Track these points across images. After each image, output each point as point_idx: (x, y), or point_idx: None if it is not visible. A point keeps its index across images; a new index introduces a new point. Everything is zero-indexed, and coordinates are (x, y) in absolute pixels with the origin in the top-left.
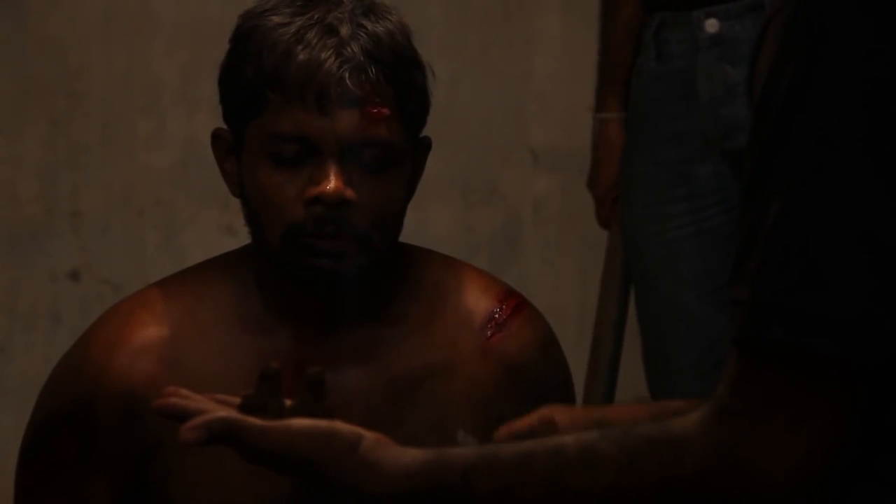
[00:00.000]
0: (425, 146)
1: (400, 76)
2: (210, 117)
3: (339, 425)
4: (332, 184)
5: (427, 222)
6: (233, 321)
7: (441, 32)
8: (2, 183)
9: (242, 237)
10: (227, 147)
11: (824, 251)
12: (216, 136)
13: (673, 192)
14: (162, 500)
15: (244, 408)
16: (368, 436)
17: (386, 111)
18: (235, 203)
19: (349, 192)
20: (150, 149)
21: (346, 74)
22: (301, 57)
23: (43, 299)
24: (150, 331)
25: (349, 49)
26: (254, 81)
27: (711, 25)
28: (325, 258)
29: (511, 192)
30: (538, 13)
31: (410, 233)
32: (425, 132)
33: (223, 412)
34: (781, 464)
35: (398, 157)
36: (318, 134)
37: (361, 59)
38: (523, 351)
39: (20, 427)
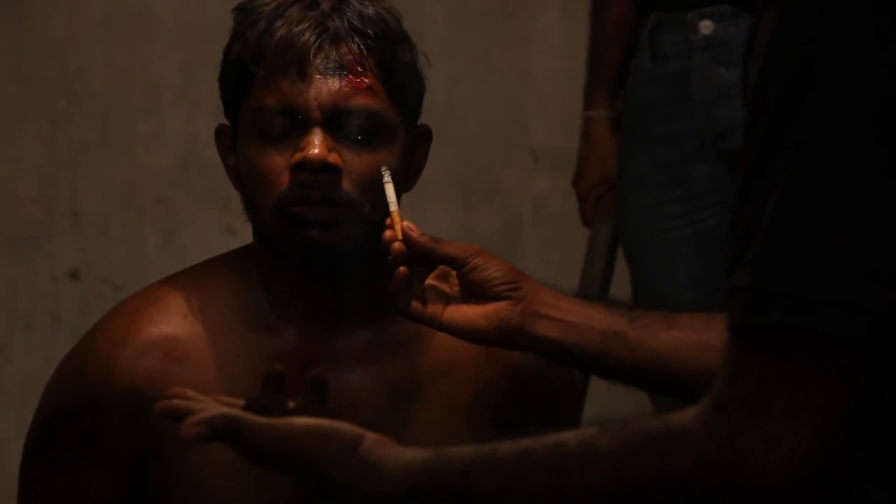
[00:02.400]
0: (424, 133)
1: (383, 48)
2: (210, 117)
3: (341, 424)
4: (315, 148)
5: (427, 222)
6: (239, 320)
7: (441, 32)
8: (2, 183)
9: (242, 237)
10: (230, 142)
11: (825, 236)
12: (219, 133)
13: (669, 194)
14: (166, 498)
15: (248, 409)
16: (370, 435)
17: (368, 80)
18: (235, 203)
19: (333, 157)
20: (150, 149)
21: (326, 44)
22: (282, 30)
23: (43, 299)
24: (156, 328)
25: (330, 21)
26: (240, 59)
27: (706, 27)
28: (316, 228)
29: (511, 192)
30: (538, 13)
31: None
32: None
33: (226, 409)
34: (780, 454)
35: (385, 129)
36: (301, 103)
37: (342, 29)
38: (529, 357)
39: (20, 427)
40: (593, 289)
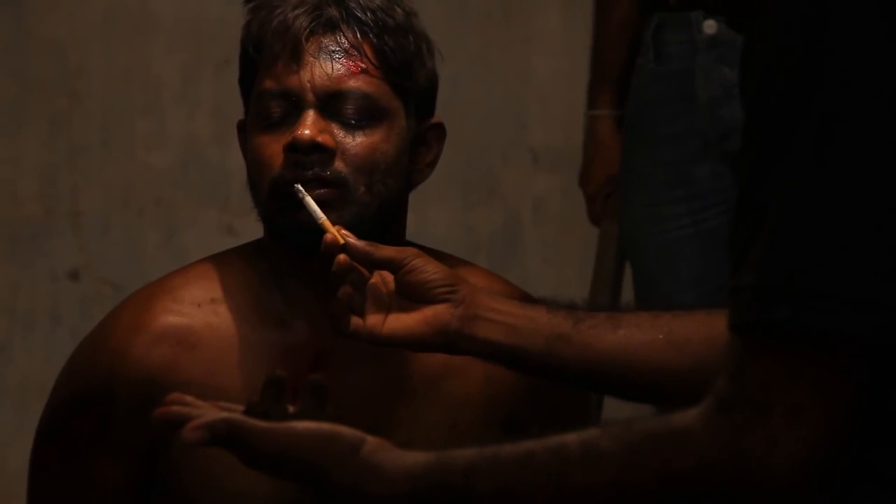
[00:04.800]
0: (435, 127)
1: (382, 36)
2: (210, 117)
3: (342, 428)
4: (305, 129)
5: (427, 222)
6: (252, 312)
7: (441, 32)
8: (2, 183)
9: (242, 237)
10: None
11: (831, 234)
12: (240, 128)
13: (672, 193)
14: (174, 487)
15: (248, 414)
16: (370, 439)
17: (363, 64)
18: (235, 203)
19: (324, 137)
20: (149, 149)
21: (320, 29)
22: (279, 17)
23: (43, 299)
24: (170, 316)
25: (326, 8)
26: (245, 48)
27: (710, 27)
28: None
29: (511, 192)
30: (538, 13)
31: (410, 233)
32: None
33: (226, 414)
34: (782, 454)
35: (380, 113)
36: (295, 85)
37: (337, 16)
38: None
39: (20, 427)
40: (604, 288)
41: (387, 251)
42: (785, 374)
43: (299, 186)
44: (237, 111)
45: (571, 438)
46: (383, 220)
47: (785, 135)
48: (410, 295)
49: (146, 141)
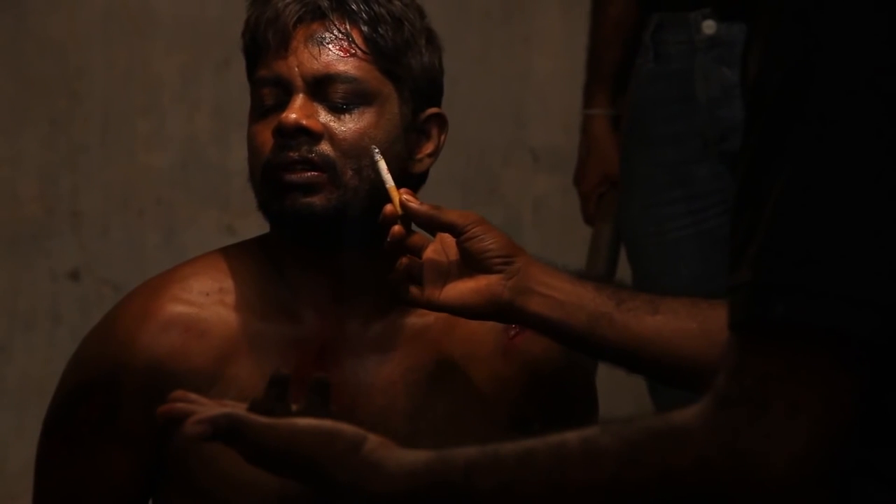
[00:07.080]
0: (434, 117)
1: (374, 24)
2: (210, 117)
3: (343, 426)
4: (292, 112)
5: None
6: (259, 302)
7: (441, 32)
8: (2, 183)
9: (242, 237)
10: None
11: (828, 230)
12: None
13: (671, 194)
14: (181, 475)
15: (252, 411)
16: (372, 437)
17: (350, 49)
18: (235, 203)
19: (310, 121)
20: (150, 149)
21: (308, 16)
22: (271, 8)
23: (43, 299)
24: (178, 304)
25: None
26: (244, 40)
27: (709, 27)
28: (296, 191)
29: (511, 192)
30: (538, 13)
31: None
32: None
33: (228, 409)
34: (781, 452)
35: (369, 96)
36: (284, 71)
37: (326, 5)
38: (547, 354)
39: (20, 427)
40: None
41: (450, 215)
42: (783, 370)
43: (375, 147)
44: (237, 111)
45: (572, 436)
46: (376, 206)
47: (780, 133)
48: (468, 262)
49: (146, 141)
